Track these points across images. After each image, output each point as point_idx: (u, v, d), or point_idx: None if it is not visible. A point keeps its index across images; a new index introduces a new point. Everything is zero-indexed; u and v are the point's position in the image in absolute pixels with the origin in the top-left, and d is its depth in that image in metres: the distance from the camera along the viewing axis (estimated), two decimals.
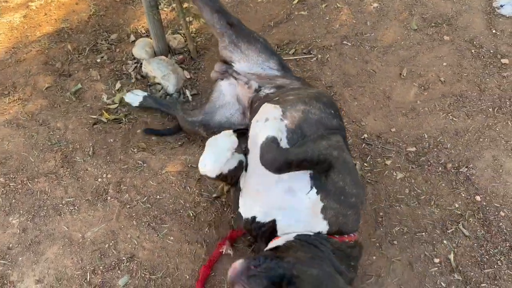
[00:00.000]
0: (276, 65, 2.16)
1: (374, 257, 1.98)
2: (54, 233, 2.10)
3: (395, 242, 2.01)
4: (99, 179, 2.29)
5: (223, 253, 1.92)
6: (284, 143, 1.64)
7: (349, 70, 2.69)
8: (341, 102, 2.51)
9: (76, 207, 2.18)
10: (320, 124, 1.75)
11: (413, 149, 2.31)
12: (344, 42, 2.85)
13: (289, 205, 1.63)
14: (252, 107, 2.11)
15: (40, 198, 2.22)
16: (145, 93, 2.58)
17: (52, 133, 2.49)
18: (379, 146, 2.33)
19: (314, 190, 1.61)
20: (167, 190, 2.23)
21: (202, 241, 2.04)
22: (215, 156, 1.68)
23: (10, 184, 2.28)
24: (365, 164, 2.27)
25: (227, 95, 2.25)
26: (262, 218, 1.64)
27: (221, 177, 1.73)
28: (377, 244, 2.00)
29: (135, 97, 2.57)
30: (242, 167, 1.80)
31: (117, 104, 2.65)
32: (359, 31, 2.90)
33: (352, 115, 2.46)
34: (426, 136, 2.36)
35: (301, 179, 1.63)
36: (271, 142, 1.58)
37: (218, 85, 2.28)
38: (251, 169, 1.76)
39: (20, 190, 2.26)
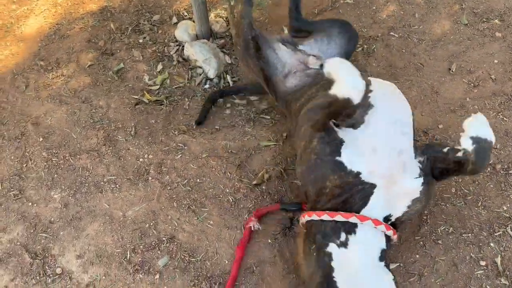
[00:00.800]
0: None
1: (417, 256, 1.93)
2: (95, 210, 2.11)
3: (440, 241, 1.96)
4: (141, 159, 2.29)
5: (252, 229, 1.91)
6: None
7: (396, 62, 2.62)
8: None
9: (117, 186, 2.18)
10: None
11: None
12: (391, 33, 2.77)
13: (393, 177, 1.61)
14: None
15: (82, 175, 2.23)
16: None
17: (94, 111, 2.49)
18: (426, 142, 2.26)
19: (421, 180, 1.63)
20: (207, 174, 2.21)
21: (241, 227, 2.03)
22: (355, 77, 1.47)
23: (53, 159, 2.30)
24: None
25: (282, 52, 2.20)
26: (365, 177, 1.55)
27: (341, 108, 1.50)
28: (421, 243, 1.95)
29: None
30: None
31: (159, 86, 2.64)
32: (407, 23, 2.81)
33: None
34: None
35: (415, 164, 1.65)
36: (490, 146, 1.58)
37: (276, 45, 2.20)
38: (374, 127, 1.64)
39: (62, 166, 2.27)
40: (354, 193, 1.55)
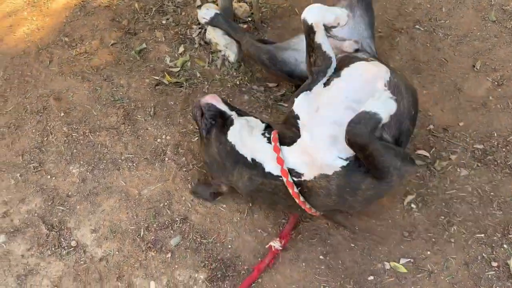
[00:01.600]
0: (372, 46, 2.09)
1: (428, 252, 1.92)
2: (111, 187, 2.14)
3: (452, 240, 1.94)
4: (158, 140, 2.30)
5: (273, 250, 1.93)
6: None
7: (419, 56, 2.57)
8: None
9: (134, 164, 2.21)
10: (397, 121, 1.70)
11: (481, 146, 2.20)
12: (417, 26, 2.72)
13: (317, 141, 1.68)
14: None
15: (101, 151, 2.26)
16: (218, 11, 2.60)
17: (115, 89, 2.51)
18: (445, 140, 2.23)
19: (344, 163, 1.64)
20: None
21: (251, 213, 2.04)
22: (323, 10, 1.75)
23: (73, 134, 2.33)
24: (427, 156, 2.17)
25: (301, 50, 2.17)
26: (300, 124, 1.77)
27: (311, 38, 1.78)
28: (433, 240, 1.94)
29: (207, 12, 2.62)
30: (328, 65, 1.83)
31: (179, 68, 2.64)
32: (433, 17, 2.75)
33: (420, 103, 2.35)
34: (495, 135, 2.24)
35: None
36: (371, 119, 1.51)
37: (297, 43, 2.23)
38: (329, 92, 1.78)
39: (81, 141, 2.31)
40: (288, 130, 1.79)
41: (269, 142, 1.77)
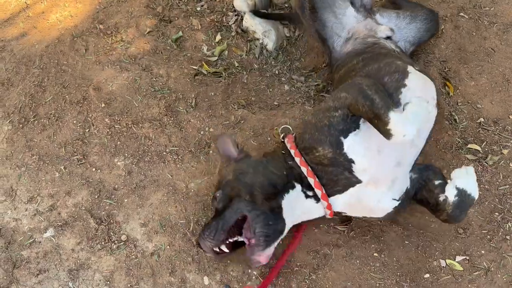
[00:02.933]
0: (408, 38, 2.05)
1: (483, 251, 1.89)
2: (158, 180, 2.12)
3: (508, 237, 1.91)
4: (202, 132, 2.27)
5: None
6: None
7: (465, 46, 2.50)
8: (456, 80, 2.35)
9: (179, 157, 2.18)
10: None
11: None
12: (461, 14, 2.63)
13: (378, 186, 1.60)
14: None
15: (145, 143, 2.23)
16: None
17: (155, 79, 2.47)
18: (496, 133, 2.18)
19: (397, 204, 1.65)
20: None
21: None
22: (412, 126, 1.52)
23: (115, 126, 2.30)
24: (479, 150, 2.13)
25: (346, 18, 2.16)
26: (357, 170, 1.58)
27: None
28: (488, 237, 1.91)
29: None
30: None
31: (217, 57, 2.59)
32: (478, 3, 2.67)
33: (468, 95, 2.31)
34: None
35: (404, 184, 1.65)
36: (472, 202, 1.58)
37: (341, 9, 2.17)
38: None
39: (125, 133, 2.28)
40: (339, 175, 1.57)
41: (315, 199, 1.65)
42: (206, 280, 1.86)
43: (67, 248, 1.97)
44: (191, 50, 2.62)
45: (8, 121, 2.37)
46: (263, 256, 1.52)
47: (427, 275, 1.84)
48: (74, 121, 2.35)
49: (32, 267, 1.93)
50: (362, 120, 1.54)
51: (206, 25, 2.72)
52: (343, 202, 1.63)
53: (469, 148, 2.16)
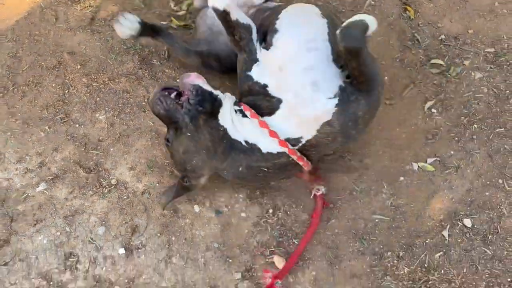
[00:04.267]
0: None
1: (452, 152, 2.04)
2: (140, 127, 2.23)
3: (474, 136, 2.07)
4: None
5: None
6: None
7: None
8: (416, 4, 2.48)
9: None
10: None
11: (492, 50, 2.30)
12: None
13: (304, 96, 1.67)
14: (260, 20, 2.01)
15: (123, 97, 2.34)
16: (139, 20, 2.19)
17: (126, 38, 2.55)
18: (457, 47, 2.33)
19: (336, 101, 1.65)
20: None
21: None
22: None
23: (93, 84, 2.40)
24: (442, 64, 2.27)
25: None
26: (272, 90, 1.71)
27: (227, 19, 1.73)
28: (456, 139, 2.06)
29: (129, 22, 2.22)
30: (250, 31, 1.77)
31: (185, 11, 2.68)
32: None
33: (428, 17, 2.44)
34: (505, 38, 2.34)
35: (332, 82, 1.68)
36: (360, 24, 1.56)
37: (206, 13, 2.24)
38: (280, 48, 1.73)
39: (103, 90, 2.38)
40: (261, 101, 1.72)
41: (245, 116, 1.73)
42: (196, 208, 1.99)
43: (60, 198, 2.08)
44: (159, 7, 2.71)
45: None
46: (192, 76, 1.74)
47: (401, 178, 1.99)
48: (53, 85, 2.44)
49: (28, 218, 2.03)
50: (257, 54, 1.76)
51: None
52: (281, 126, 1.69)
53: (433, 63, 2.30)
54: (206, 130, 1.70)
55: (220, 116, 1.73)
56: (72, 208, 2.05)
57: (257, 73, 1.75)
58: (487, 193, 1.95)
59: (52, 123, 2.30)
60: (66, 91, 2.40)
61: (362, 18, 1.58)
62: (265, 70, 1.73)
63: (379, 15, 2.50)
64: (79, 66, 2.47)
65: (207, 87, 1.74)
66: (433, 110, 2.15)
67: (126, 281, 1.85)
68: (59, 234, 1.99)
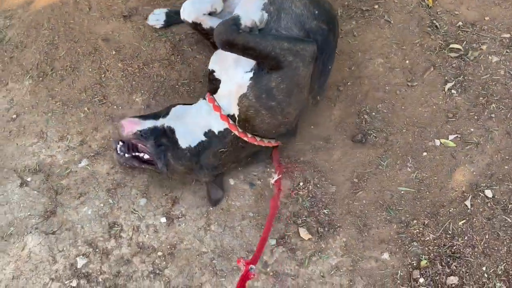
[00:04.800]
0: None
1: (472, 129, 2.17)
2: None
3: (492, 115, 2.20)
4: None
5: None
6: (252, 23, 1.72)
7: None
8: None
9: (191, 88, 2.44)
10: (297, 21, 1.79)
11: (507, 35, 2.44)
12: None
13: (229, 73, 1.84)
14: None
15: (158, 80, 2.49)
16: (166, 10, 2.57)
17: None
18: (474, 33, 2.46)
19: (251, 74, 1.77)
20: None
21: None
22: (196, 4, 1.94)
23: (128, 68, 2.54)
24: (460, 49, 2.41)
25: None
26: (217, 74, 1.91)
27: (200, 28, 1.98)
28: (476, 117, 2.19)
29: (157, 17, 2.60)
30: None
31: None
32: None
33: (446, 5, 2.58)
34: None
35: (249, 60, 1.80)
36: (232, 20, 1.69)
37: None
38: None
39: (138, 74, 2.53)
40: (211, 87, 1.94)
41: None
42: (231, 181, 2.13)
43: (102, 173, 2.22)
44: None
45: (28, 76, 2.61)
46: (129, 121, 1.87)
47: (425, 153, 2.12)
48: (90, 69, 2.59)
49: (72, 192, 2.18)
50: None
51: None
52: (222, 103, 1.90)
53: (451, 48, 2.43)
54: (178, 163, 1.91)
55: (180, 142, 1.90)
56: (114, 182, 2.19)
57: (211, 61, 1.97)
58: (506, 167, 2.09)
59: (90, 104, 2.44)
60: (103, 75, 2.54)
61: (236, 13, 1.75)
62: (215, 57, 1.94)
63: (398, 3, 2.64)
64: (114, 52, 2.62)
65: (146, 123, 1.91)
66: (452, 91, 2.28)
67: (168, 247, 1.99)
68: (102, 205, 2.13)
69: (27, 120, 2.45)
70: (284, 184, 2.09)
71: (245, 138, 1.87)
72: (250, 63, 1.78)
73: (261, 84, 1.74)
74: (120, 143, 1.92)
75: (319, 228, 1.97)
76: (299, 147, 2.18)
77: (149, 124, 1.85)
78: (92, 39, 2.68)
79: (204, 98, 1.96)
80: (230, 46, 1.66)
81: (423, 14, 2.57)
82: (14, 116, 2.47)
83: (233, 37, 1.64)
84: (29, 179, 2.24)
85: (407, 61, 2.41)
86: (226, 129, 1.86)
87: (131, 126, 1.83)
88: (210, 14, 2.03)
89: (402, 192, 2.02)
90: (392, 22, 2.55)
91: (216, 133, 1.87)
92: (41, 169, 2.26)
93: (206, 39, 2.07)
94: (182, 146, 1.86)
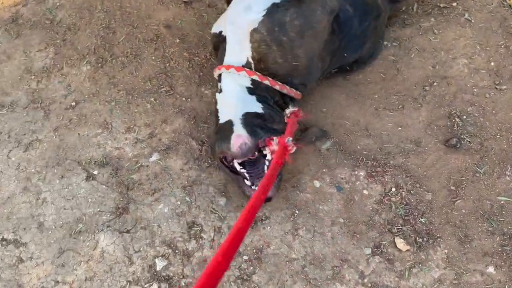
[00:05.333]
0: None
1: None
2: None
3: None
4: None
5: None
6: None
7: None
8: None
9: None
10: None
11: None
12: None
13: (239, 21, 1.81)
14: None
15: None
16: None
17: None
18: None
19: (264, 12, 1.76)
20: None
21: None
22: None
23: (195, 58, 2.41)
24: None
25: None
26: (225, 33, 1.88)
27: None
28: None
29: None
30: None
31: None
32: None
33: None
34: None
35: (266, 1, 1.78)
36: None
37: None
38: None
39: (205, 65, 2.39)
40: (221, 48, 1.90)
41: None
42: (317, 183, 2.01)
43: (176, 168, 2.08)
44: None
45: (85, 61, 2.45)
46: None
47: None
48: (153, 57, 2.44)
49: (145, 187, 2.04)
50: None
51: None
52: (233, 57, 1.88)
53: None
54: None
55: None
56: (190, 179, 2.06)
57: (214, 26, 2.00)
58: None
59: (157, 95, 2.30)
60: (167, 64, 2.40)
61: None
62: (222, 20, 1.94)
63: (478, 2, 2.54)
64: (178, 40, 2.48)
65: (258, 134, 1.79)
66: None
67: (254, 251, 1.87)
68: (179, 203, 1.99)
69: (88, 108, 2.29)
70: (374, 188, 1.97)
71: (267, 82, 1.80)
72: (264, 6, 1.76)
73: (274, 18, 1.72)
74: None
75: (417, 238, 1.86)
76: (387, 149, 2.07)
77: (260, 133, 1.77)
78: (153, 25, 2.54)
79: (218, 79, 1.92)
80: None
81: (505, 14, 2.47)
82: (73, 103, 2.32)
83: None
84: (95, 172, 2.09)
85: (492, 63, 2.31)
86: (253, 80, 1.81)
87: (238, 140, 1.77)
88: None
89: (502, 202, 1.93)
90: (473, 21, 2.44)
91: (247, 86, 1.82)
92: (108, 162, 2.12)
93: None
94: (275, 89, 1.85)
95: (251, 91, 1.81)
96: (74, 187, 2.05)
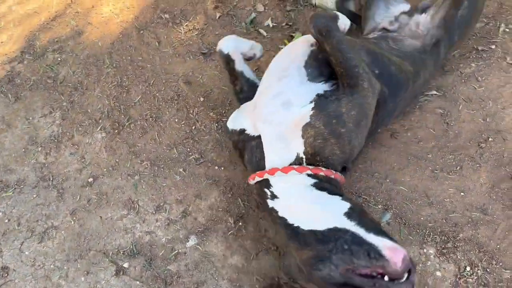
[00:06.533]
0: None
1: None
2: None
3: None
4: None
5: None
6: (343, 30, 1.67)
7: None
8: None
9: None
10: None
11: None
12: None
13: (278, 118, 1.64)
14: None
15: None
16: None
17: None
18: None
19: (312, 105, 1.61)
20: None
21: None
22: (237, 40, 1.90)
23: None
24: None
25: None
26: (251, 131, 1.71)
27: (230, 67, 1.88)
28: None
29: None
30: (254, 90, 1.80)
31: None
32: None
33: None
34: None
35: (307, 95, 1.63)
36: (333, 14, 1.64)
37: None
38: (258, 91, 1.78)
39: None
40: (249, 149, 1.69)
41: None
42: None
43: (218, 254, 1.85)
44: (270, 31, 2.51)
45: (99, 128, 2.19)
46: None
47: None
48: (176, 120, 2.21)
49: (186, 281, 1.80)
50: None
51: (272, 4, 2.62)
52: (276, 155, 1.67)
53: None
54: None
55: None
56: (236, 267, 1.82)
57: (231, 120, 1.82)
58: None
59: (186, 164, 2.07)
60: (193, 127, 2.17)
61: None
62: (239, 113, 1.80)
63: None
64: (202, 99, 2.25)
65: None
66: None
67: None
68: None
69: (108, 185, 2.03)
70: (447, 268, 1.78)
71: (321, 173, 1.60)
72: (306, 100, 1.61)
73: (329, 110, 1.58)
74: None
75: None
76: (454, 219, 1.89)
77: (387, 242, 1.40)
78: (171, 82, 2.30)
79: (256, 183, 1.67)
80: (326, 36, 1.55)
81: None
82: (90, 179, 2.05)
83: (333, 27, 1.56)
84: (126, 264, 1.83)
85: None
86: (309, 175, 1.60)
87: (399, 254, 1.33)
88: (247, 59, 1.96)
89: None
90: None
91: (311, 184, 1.59)
92: (139, 250, 1.86)
93: (233, 84, 1.92)
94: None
95: (318, 186, 1.59)
96: (103, 285, 1.78)
